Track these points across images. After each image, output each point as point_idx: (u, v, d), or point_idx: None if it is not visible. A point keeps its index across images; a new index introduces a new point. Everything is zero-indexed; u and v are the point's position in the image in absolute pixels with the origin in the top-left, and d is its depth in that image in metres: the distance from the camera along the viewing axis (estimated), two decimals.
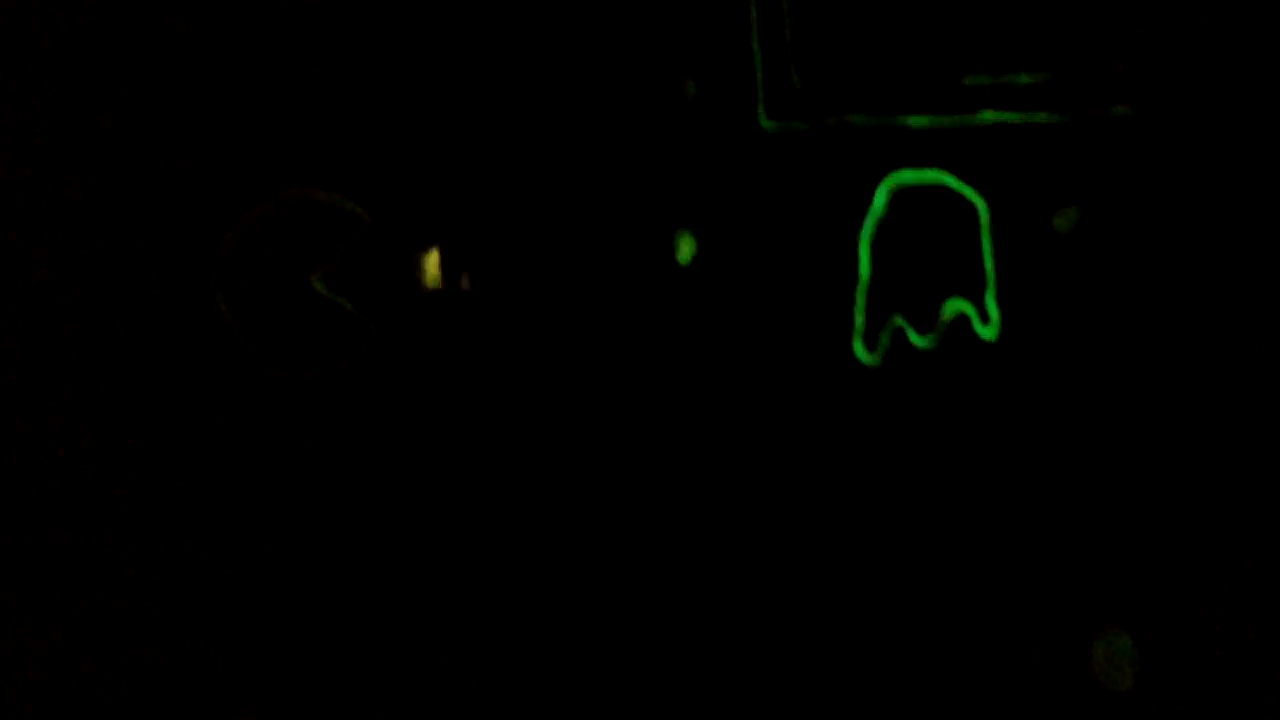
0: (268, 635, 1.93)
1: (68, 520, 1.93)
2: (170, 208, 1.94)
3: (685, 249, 1.95)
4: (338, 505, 1.94)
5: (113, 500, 1.93)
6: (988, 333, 1.94)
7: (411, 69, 1.95)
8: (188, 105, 1.94)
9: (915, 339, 1.94)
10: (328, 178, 1.94)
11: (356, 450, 1.95)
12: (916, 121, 1.95)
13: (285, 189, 1.93)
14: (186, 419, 1.94)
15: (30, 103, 1.93)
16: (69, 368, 1.94)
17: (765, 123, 1.96)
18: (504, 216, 1.96)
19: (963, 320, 1.94)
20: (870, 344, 1.95)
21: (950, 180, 1.95)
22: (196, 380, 1.94)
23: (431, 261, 1.88)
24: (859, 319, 1.95)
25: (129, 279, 1.94)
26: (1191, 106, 1.92)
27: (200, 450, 1.95)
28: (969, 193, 1.94)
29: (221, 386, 1.94)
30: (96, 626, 1.91)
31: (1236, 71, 1.91)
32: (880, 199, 1.95)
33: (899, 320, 1.95)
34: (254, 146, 1.94)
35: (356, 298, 1.93)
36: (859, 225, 1.96)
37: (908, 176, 1.95)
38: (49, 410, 1.93)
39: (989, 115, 1.94)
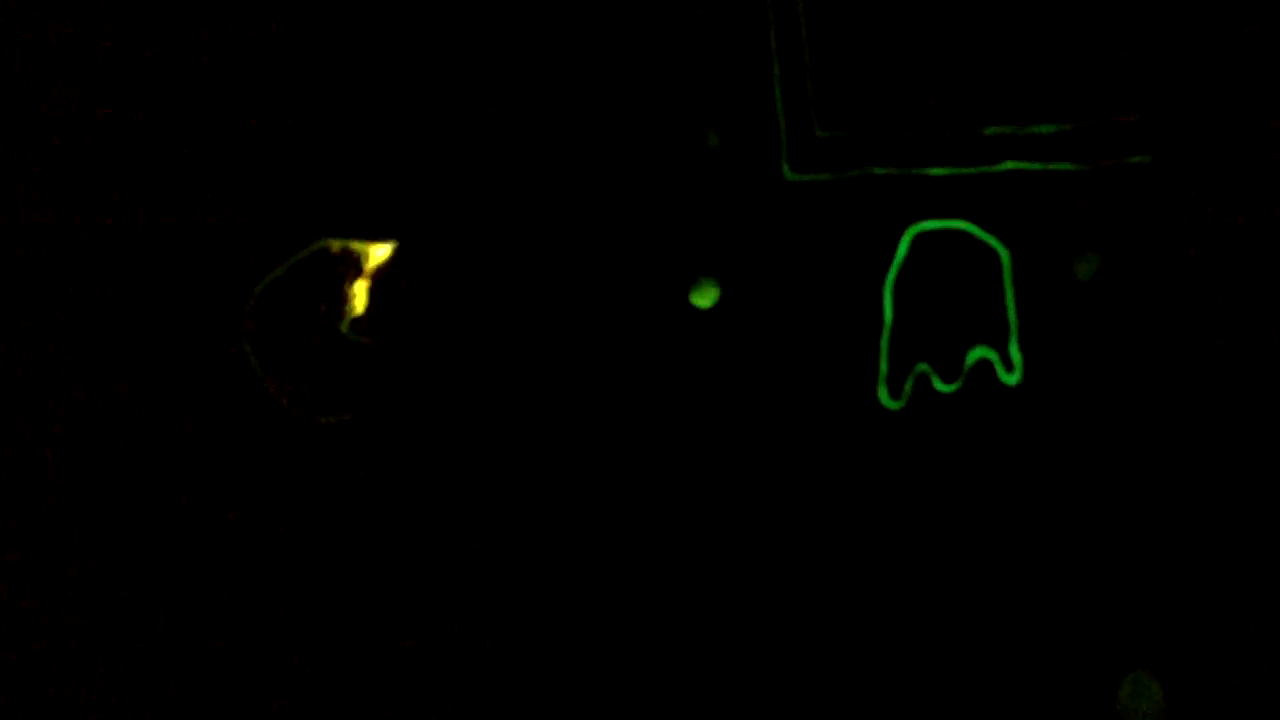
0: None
1: (98, 571, 1.93)
2: (200, 252, 1.95)
3: (709, 296, 1.97)
4: (367, 542, 1.94)
5: (140, 538, 1.93)
6: (1011, 379, 1.96)
7: (437, 122, 1.97)
8: (217, 150, 1.96)
9: (939, 385, 1.96)
10: (354, 220, 1.95)
11: (381, 490, 1.95)
12: (938, 171, 1.98)
13: (316, 236, 1.95)
14: (206, 459, 1.95)
15: (59, 141, 1.95)
16: (96, 409, 1.94)
17: (789, 174, 1.98)
18: (530, 265, 1.97)
19: (986, 366, 1.97)
20: (895, 390, 1.97)
21: (972, 229, 1.97)
22: (220, 423, 1.95)
23: (360, 290, 1.89)
24: (883, 365, 1.97)
25: (158, 322, 1.94)
26: (1208, 155, 1.95)
27: (225, 494, 1.95)
28: (991, 241, 1.97)
29: (247, 431, 1.95)
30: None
31: (1252, 121, 1.95)
32: (903, 248, 1.98)
33: (923, 367, 1.97)
34: (290, 195, 1.96)
35: (383, 341, 1.94)
36: (882, 274, 1.98)
37: (930, 225, 1.98)
38: (78, 459, 1.93)
39: (1010, 165, 1.97)
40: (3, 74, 1.94)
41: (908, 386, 1.97)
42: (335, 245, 1.89)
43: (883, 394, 1.97)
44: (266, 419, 1.94)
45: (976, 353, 1.97)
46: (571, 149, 1.97)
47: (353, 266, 1.92)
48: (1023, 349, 1.96)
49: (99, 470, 1.94)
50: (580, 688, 1.94)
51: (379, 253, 1.89)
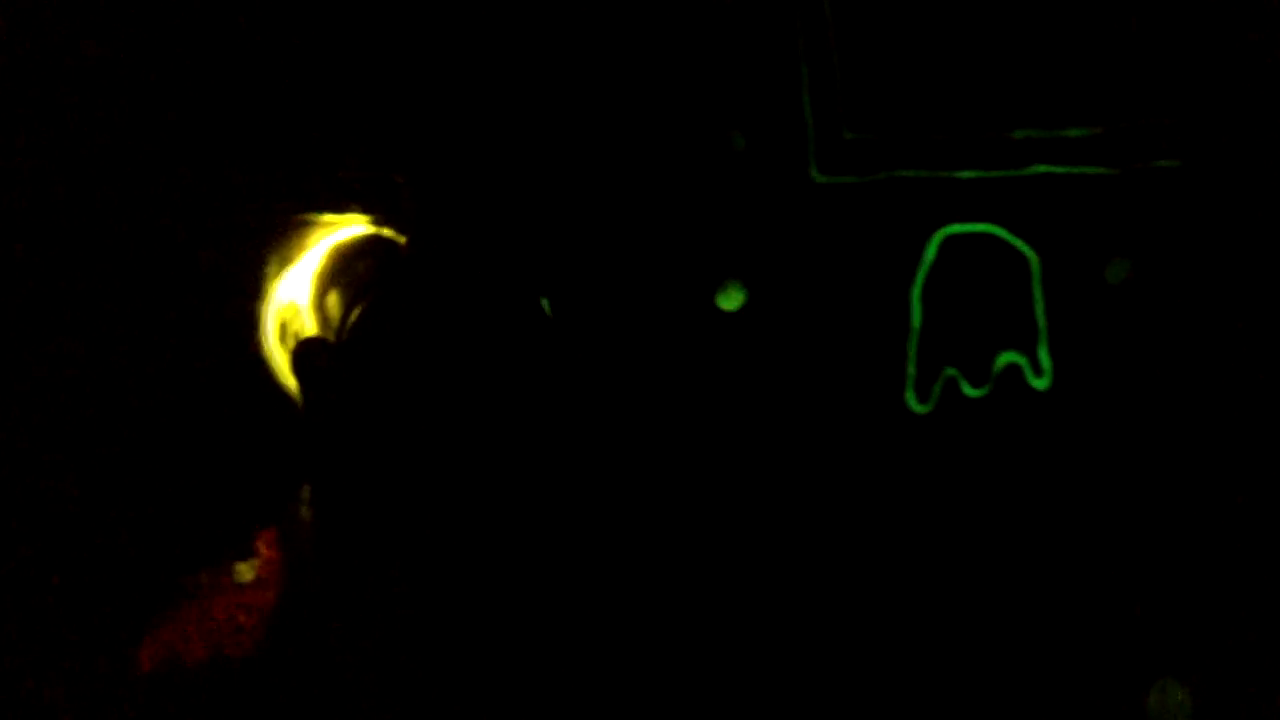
0: None
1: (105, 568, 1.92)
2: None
3: (734, 299, 1.96)
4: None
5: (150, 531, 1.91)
6: (1040, 383, 1.95)
7: (456, 121, 1.95)
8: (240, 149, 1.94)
9: (967, 389, 1.95)
10: (385, 220, 1.94)
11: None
12: (967, 174, 1.97)
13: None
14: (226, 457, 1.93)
15: (76, 144, 1.93)
16: (112, 402, 1.92)
17: (817, 176, 1.97)
18: (554, 268, 1.95)
19: (1015, 370, 1.95)
20: (922, 394, 1.96)
21: (1001, 232, 1.96)
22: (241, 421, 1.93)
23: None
24: (911, 369, 1.96)
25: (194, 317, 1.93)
26: (1238, 159, 1.95)
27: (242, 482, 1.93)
28: (1020, 245, 1.96)
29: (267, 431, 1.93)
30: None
31: None
32: (931, 251, 1.96)
33: (951, 371, 1.96)
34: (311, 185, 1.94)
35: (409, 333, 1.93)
36: (910, 277, 1.97)
37: (959, 229, 1.96)
38: (90, 459, 1.92)
39: (1040, 168, 1.96)
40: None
41: (935, 390, 1.96)
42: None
43: (910, 398, 1.96)
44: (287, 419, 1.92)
45: (1005, 357, 1.96)
46: (596, 151, 1.96)
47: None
48: (1052, 354, 1.95)
49: (109, 472, 1.92)
50: (597, 690, 1.93)
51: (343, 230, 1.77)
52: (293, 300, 1.82)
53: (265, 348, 1.67)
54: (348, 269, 1.85)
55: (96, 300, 1.93)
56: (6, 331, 1.92)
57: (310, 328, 1.80)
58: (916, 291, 1.97)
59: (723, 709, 1.94)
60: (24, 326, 1.92)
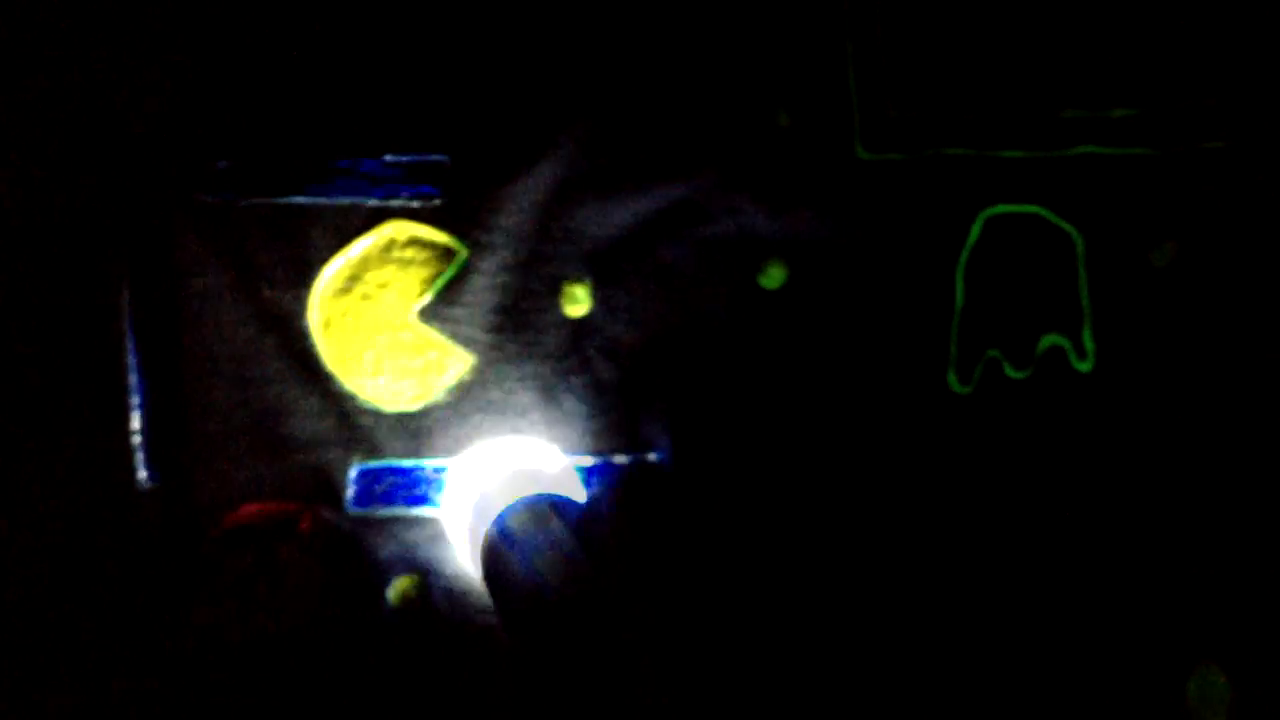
0: None
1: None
2: (266, 234, 1.90)
3: (775, 276, 1.94)
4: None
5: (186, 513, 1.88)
6: (1084, 366, 1.94)
7: (505, 98, 1.92)
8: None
9: (1010, 371, 1.94)
10: (423, 209, 1.91)
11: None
12: (1012, 154, 1.95)
13: (383, 220, 1.90)
14: (271, 444, 1.90)
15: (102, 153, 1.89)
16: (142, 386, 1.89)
17: (862, 153, 1.95)
18: (595, 244, 1.93)
19: (1058, 352, 1.94)
20: (964, 375, 1.95)
21: (1046, 213, 1.94)
22: (285, 408, 1.90)
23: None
24: (953, 350, 1.94)
25: (218, 306, 1.90)
26: None
27: (280, 474, 1.91)
28: (1065, 226, 1.94)
29: (311, 414, 1.90)
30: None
31: None
32: (975, 231, 1.94)
33: (994, 352, 1.94)
34: (353, 179, 1.91)
35: (452, 330, 1.90)
36: (954, 256, 1.95)
37: (1003, 209, 1.94)
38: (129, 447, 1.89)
39: (1085, 149, 1.94)
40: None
41: (977, 372, 1.95)
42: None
43: (952, 379, 1.95)
44: (330, 404, 1.90)
45: (1048, 339, 1.94)
46: (640, 127, 1.93)
47: (441, 258, 1.88)
48: (1095, 336, 1.94)
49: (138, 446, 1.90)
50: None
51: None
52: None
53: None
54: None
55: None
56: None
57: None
58: (960, 271, 1.95)
59: (747, 674, 1.93)
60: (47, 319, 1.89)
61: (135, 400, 1.83)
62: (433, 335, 1.90)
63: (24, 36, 1.85)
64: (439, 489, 1.90)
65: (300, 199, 1.87)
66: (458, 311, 1.90)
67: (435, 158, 1.90)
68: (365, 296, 1.89)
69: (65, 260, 1.83)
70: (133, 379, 1.84)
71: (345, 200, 1.89)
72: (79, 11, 1.86)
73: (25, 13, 1.85)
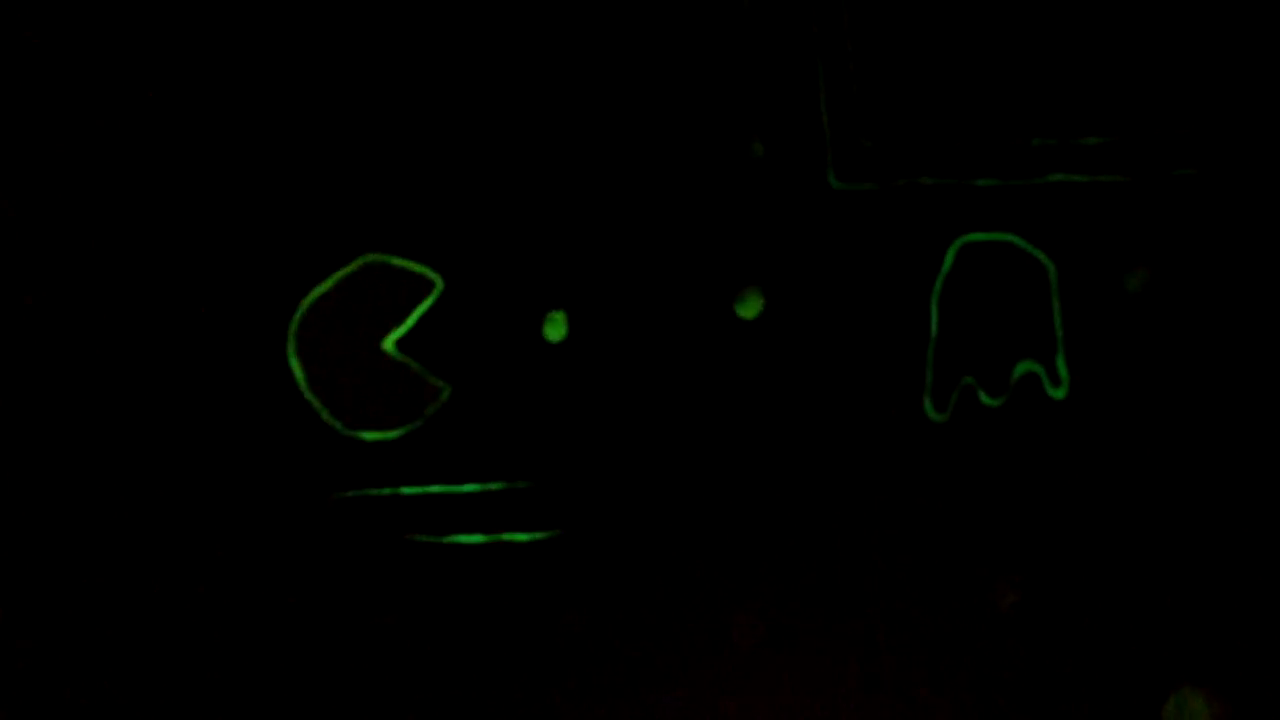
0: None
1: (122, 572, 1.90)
2: (246, 268, 1.92)
3: (753, 306, 1.95)
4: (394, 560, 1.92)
5: (172, 552, 1.90)
6: (1058, 393, 1.95)
7: (479, 130, 1.94)
8: (261, 167, 1.92)
9: (985, 398, 1.95)
10: (399, 240, 1.93)
11: (427, 508, 1.93)
12: (985, 182, 1.96)
13: (360, 252, 1.92)
14: (250, 475, 1.92)
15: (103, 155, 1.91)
16: (132, 422, 1.90)
17: (835, 183, 1.96)
18: (572, 272, 1.95)
19: (1032, 379, 1.95)
20: (940, 402, 1.96)
21: (1019, 241, 1.96)
22: (265, 439, 1.91)
23: None
24: (929, 377, 1.96)
25: (200, 339, 1.91)
26: (1256, 168, 1.95)
27: (261, 507, 1.92)
28: (1038, 254, 1.96)
29: (290, 445, 1.92)
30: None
31: None
32: (949, 259, 1.96)
33: (969, 379, 1.95)
34: (329, 210, 1.93)
35: (428, 360, 1.92)
36: (928, 285, 1.96)
37: (977, 237, 1.96)
38: (112, 467, 1.90)
39: (1057, 176, 1.96)
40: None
41: (953, 399, 1.96)
42: None
43: (928, 406, 1.96)
44: (309, 435, 1.91)
45: (1023, 366, 1.96)
46: (615, 158, 1.95)
47: (415, 288, 1.90)
48: (1070, 363, 1.95)
49: (132, 486, 1.91)
50: (604, 713, 1.93)
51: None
52: None
53: None
54: None
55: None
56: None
57: None
58: (934, 299, 1.96)
59: (712, 701, 1.93)
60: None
61: None
62: (410, 365, 1.91)
63: None
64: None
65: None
66: (434, 341, 1.92)
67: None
68: (343, 327, 1.90)
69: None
70: None
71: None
72: None
73: None
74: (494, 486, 1.92)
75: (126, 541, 1.89)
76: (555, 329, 1.94)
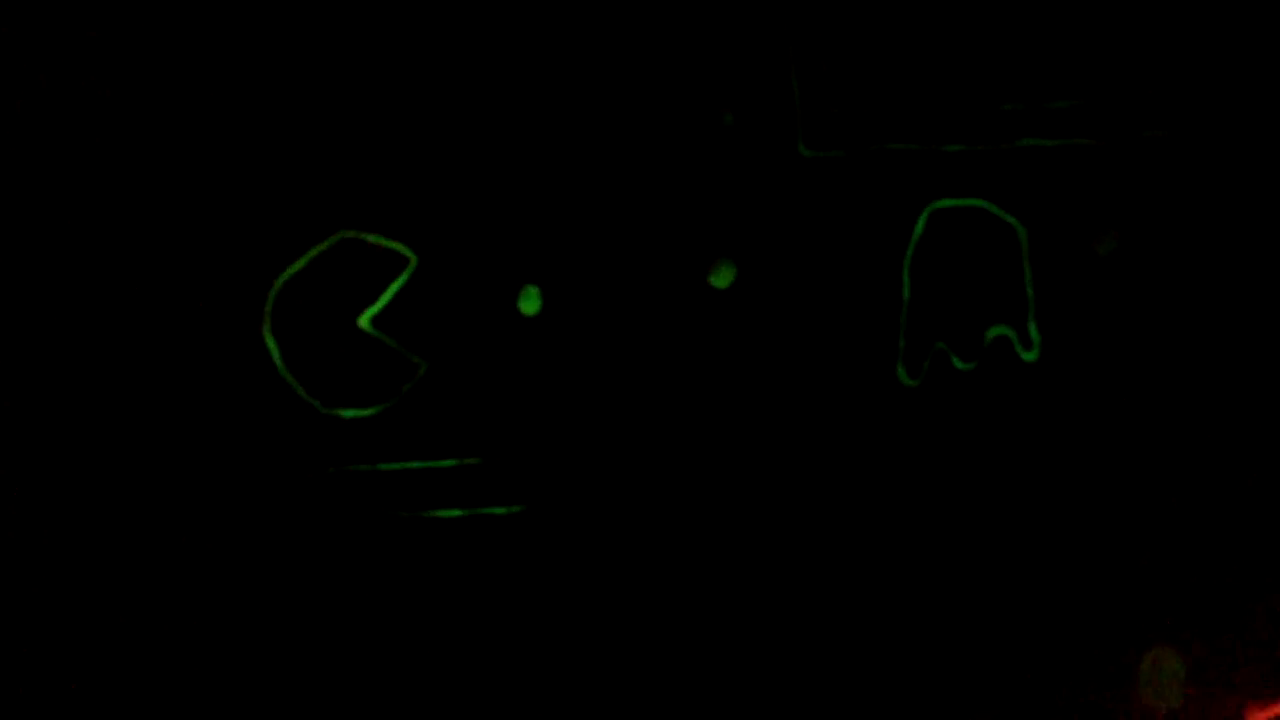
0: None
1: (111, 562, 1.91)
2: (220, 246, 1.92)
3: (725, 275, 1.96)
4: (372, 538, 1.93)
5: (153, 533, 1.91)
6: (1029, 356, 1.96)
7: (450, 105, 1.94)
8: (242, 148, 1.93)
9: (957, 363, 1.96)
10: (372, 216, 1.93)
11: (399, 486, 1.94)
12: (955, 148, 1.97)
13: (335, 229, 1.92)
14: (228, 454, 1.92)
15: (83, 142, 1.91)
16: (110, 403, 1.91)
17: (804, 151, 1.97)
18: (545, 247, 1.95)
19: (1004, 343, 1.97)
20: (913, 368, 1.97)
21: (989, 206, 1.97)
22: (242, 417, 1.92)
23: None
24: (901, 343, 1.97)
25: (175, 317, 1.91)
26: (1225, 129, 1.96)
27: (239, 486, 1.93)
28: (1008, 218, 1.97)
29: (268, 423, 1.92)
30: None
31: (1269, 95, 1.95)
32: (920, 225, 1.97)
33: (941, 344, 1.96)
34: (303, 187, 1.93)
35: (403, 336, 1.92)
36: (900, 251, 1.97)
37: (947, 203, 1.97)
38: (90, 446, 1.91)
39: (1027, 141, 1.97)
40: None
41: (925, 364, 1.97)
42: None
43: (900, 372, 1.97)
44: (286, 412, 1.92)
45: (994, 330, 1.97)
46: (585, 130, 1.95)
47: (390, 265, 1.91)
48: (1040, 326, 1.96)
49: (110, 467, 1.91)
50: (583, 684, 1.94)
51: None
52: None
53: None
54: None
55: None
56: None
57: None
58: (906, 265, 1.97)
59: (694, 680, 1.95)
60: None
61: None
62: (386, 342, 1.92)
63: None
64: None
65: None
66: (410, 318, 1.93)
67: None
68: (318, 305, 1.91)
69: None
70: None
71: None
72: None
73: None
74: (471, 461, 1.93)
75: (103, 520, 1.90)
76: (530, 303, 1.95)
